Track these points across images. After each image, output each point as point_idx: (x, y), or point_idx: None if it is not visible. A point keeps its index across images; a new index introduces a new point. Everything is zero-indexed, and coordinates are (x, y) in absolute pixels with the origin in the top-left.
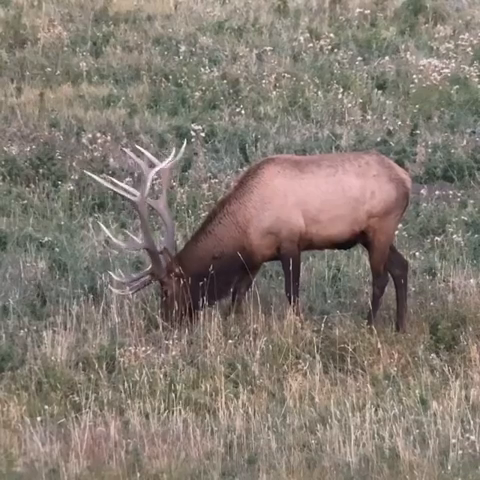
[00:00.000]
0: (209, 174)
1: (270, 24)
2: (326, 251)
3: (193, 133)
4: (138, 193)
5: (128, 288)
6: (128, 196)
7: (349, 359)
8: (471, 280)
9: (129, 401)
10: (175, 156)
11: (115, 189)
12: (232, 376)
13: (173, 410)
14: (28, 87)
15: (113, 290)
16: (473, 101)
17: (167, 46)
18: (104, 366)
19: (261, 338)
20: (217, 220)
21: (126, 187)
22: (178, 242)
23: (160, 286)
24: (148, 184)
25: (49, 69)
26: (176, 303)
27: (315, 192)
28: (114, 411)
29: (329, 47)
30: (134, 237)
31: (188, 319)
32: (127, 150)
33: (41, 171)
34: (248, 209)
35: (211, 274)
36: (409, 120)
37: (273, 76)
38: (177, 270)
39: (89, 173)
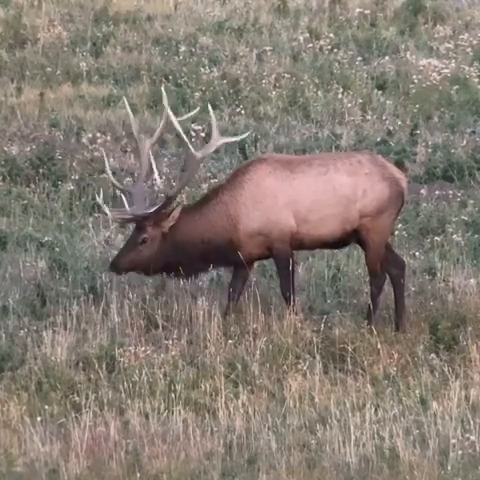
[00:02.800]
0: (209, 174)
1: (270, 24)
2: (326, 251)
3: (193, 133)
4: (200, 152)
5: (110, 214)
6: (191, 149)
7: (349, 359)
8: (471, 280)
9: (129, 401)
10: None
11: (183, 136)
12: (232, 376)
13: (173, 410)
14: (28, 87)
15: (105, 209)
16: (473, 101)
17: (167, 46)
18: (104, 366)
19: (261, 338)
20: (211, 206)
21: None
22: None
23: (140, 231)
24: (212, 149)
25: (49, 69)
26: (145, 254)
27: (306, 192)
28: (114, 411)
29: (329, 47)
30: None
31: (143, 274)
32: (211, 111)
33: (41, 171)
34: (239, 204)
35: (191, 255)
36: (409, 120)
37: (273, 76)
38: (165, 229)
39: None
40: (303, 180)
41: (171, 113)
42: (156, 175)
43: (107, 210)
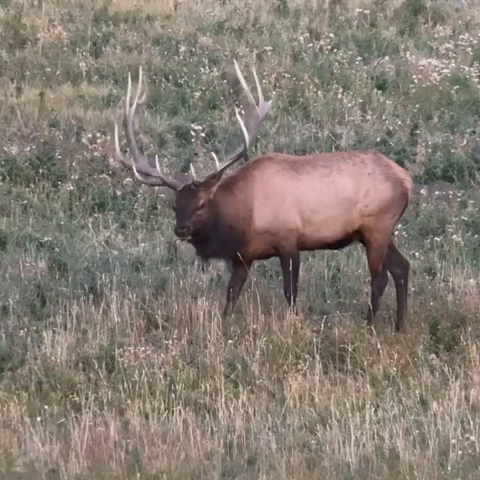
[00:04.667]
0: None
1: (270, 24)
2: (326, 251)
3: (193, 133)
4: (260, 113)
5: (195, 176)
6: (257, 109)
7: (349, 359)
8: (471, 280)
9: (129, 401)
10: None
11: (248, 92)
12: (232, 376)
13: (173, 410)
14: (28, 87)
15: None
16: (473, 101)
17: (167, 46)
18: (104, 366)
19: (261, 338)
20: (233, 190)
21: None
22: (178, 242)
23: (194, 196)
24: (266, 110)
25: (49, 69)
26: (202, 219)
27: (310, 193)
28: (114, 411)
29: (329, 47)
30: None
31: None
32: (255, 74)
33: (41, 171)
34: (252, 196)
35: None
36: (409, 120)
37: (273, 76)
38: (211, 196)
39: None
40: (308, 182)
41: (239, 71)
42: (245, 133)
43: (193, 172)
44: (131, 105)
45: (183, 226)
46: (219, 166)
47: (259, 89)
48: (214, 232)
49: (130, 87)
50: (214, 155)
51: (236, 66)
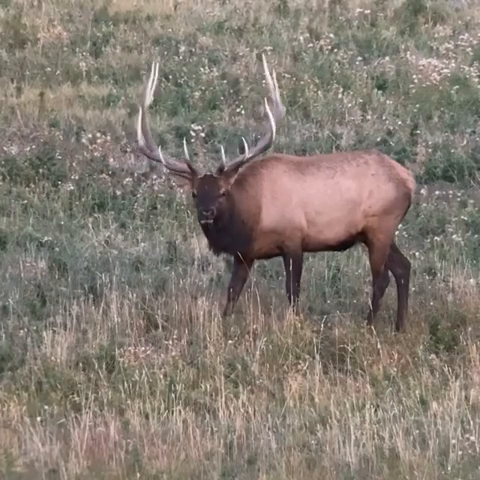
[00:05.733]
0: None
1: (270, 24)
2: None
3: (193, 133)
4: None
5: (224, 160)
6: (279, 105)
7: (349, 359)
8: (471, 280)
9: (129, 401)
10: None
11: (273, 89)
12: (232, 376)
13: (173, 410)
14: (28, 87)
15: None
16: (473, 101)
17: (167, 46)
18: (104, 366)
19: (261, 338)
20: (246, 186)
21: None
22: (178, 242)
23: (215, 184)
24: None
25: (49, 69)
26: (223, 207)
27: (316, 194)
28: (114, 411)
29: (329, 47)
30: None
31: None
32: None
33: (41, 171)
34: (262, 193)
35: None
36: (409, 120)
37: (273, 76)
38: (229, 186)
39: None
40: (313, 183)
41: (265, 61)
42: (272, 124)
43: (223, 153)
44: (146, 99)
45: (208, 209)
46: (248, 153)
47: (277, 88)
48: (228, 225)
49: (151, 80)
50: (244, 141)
51: (264, 62)
